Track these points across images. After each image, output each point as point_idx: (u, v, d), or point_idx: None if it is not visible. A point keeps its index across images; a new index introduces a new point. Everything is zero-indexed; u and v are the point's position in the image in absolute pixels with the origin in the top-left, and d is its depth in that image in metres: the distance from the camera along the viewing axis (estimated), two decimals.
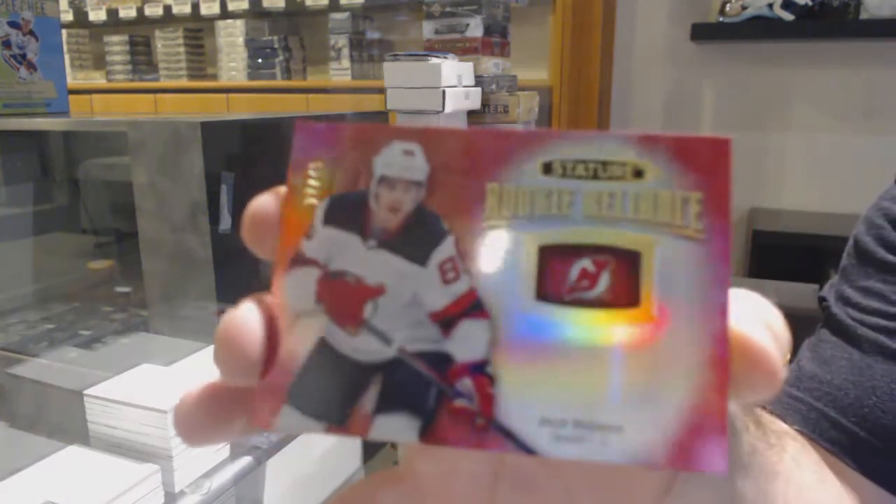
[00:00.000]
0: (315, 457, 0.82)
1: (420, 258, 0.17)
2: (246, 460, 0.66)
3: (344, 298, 0.17)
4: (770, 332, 0.16)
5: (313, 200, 0.18)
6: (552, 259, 0.17)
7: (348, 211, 0.18)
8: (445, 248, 0.17)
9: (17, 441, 0.71)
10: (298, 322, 0.17)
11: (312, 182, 0.18)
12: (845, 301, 0.42)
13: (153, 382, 0.64)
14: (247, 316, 0.17)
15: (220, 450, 0.65)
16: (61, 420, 0.71)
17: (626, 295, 0.17)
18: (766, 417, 0.38)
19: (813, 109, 2.11)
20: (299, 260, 0.18)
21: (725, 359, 0.16)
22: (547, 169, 0.17)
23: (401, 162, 0.18)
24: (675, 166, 0.17)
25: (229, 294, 0.75)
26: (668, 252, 0.17)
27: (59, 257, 1.18)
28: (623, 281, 0.17)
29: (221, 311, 0.76)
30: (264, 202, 0.19)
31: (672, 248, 0.17)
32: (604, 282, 0.17)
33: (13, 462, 0.58)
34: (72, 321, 0.96)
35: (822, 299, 0.46)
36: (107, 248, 1.20)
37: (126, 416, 0.60)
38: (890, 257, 0.41)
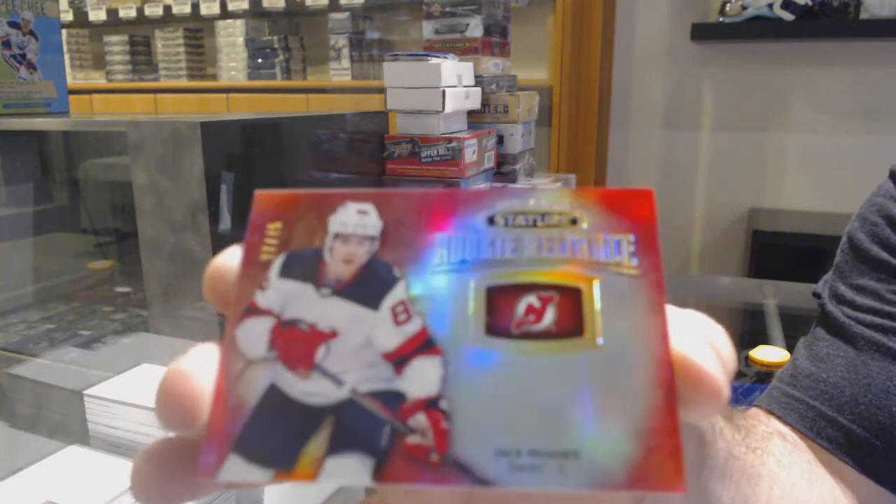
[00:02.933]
0: None
1: (372, 303, 0.18)
2: None
3: (296, 344, 0.18)
4: (712, 350, 0.17)
5: (269, 256, 0.19)
6: (499, 298, 0.18)
7: (303, 264, 0.19)
8: (397, 293, 0.18)
9: (17, 441, 0.71)
10: (249, 369, 0.18)
11: (269, 241, 0.19)
12: (840, 299, 0.42)
13: (153, 382, 0.64)
14: (191, 366, 0.17)
15: None
16: (61, 420, 0.71)
17: (570, 326, 0.17)
18: (754, 420, 0.38)
19: (813, 109, 2.11)
20: (253, 311, 0.18)
21: (670, 380, 0.16)
22: (490, 221, 0.19)
23: (355, 220, 0.19)
24: (606, 214, 0.19)
25: None
26: (607, 287, 0.18)
27: (59, 257, 1.18)
28: (567, 313, 0.18)
29: (222, 312, 0.76)
30: (224, 260, 0.19)
31: (610, 283, 0.18)
32: (549, 315, 0.18)
33: (13, 462, 0.58)
34: (72, 321, 0.96)
35: (817, 295, 0.46)
36: (107, 248, 1.20)
37: (126, 416, 0.60)
38: (884, 255, 0.41)
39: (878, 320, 0.39)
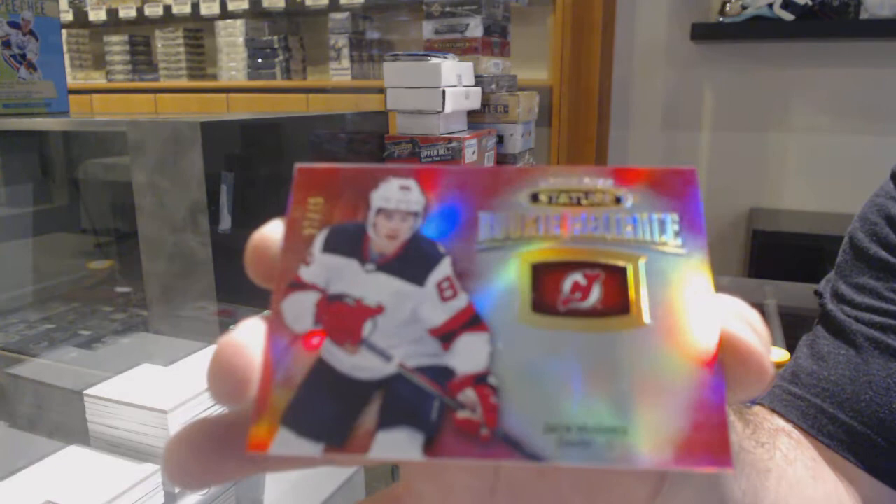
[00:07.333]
0: None
1: (418, 279, 0.18)
2: None
3: (343, 318, 0.18)
4: (755, 332, 0.17)
5: (312, 231, 0.19)
6: (545, 275, 0.18)
7: (346, 239, 0.19)
8: (442, 269, 0.18)
9: (17, 441, 0.71)
10: (297, 343, 0.17)
11: (312, 215, 0.19)
12: (840, 298, 0.43)
13: (153, 382, 0.64)
14: (243, 339, 0.17)
15: None
16: (61, 420, 0.71)
17: (617, 304, 0.17)
18: (759, 416, 0.38)
19: (813, 109, 2.11)
20: (298, 285, 0.18)
21: (717, 358, 0.16)
22: (534, 198, 0.19)
23: (398, 195, 0.19)
24: (650, 194, 0.19)
25: (229, 294, 0.75)
26: (653, 266, 0.18)
27: (59, 257, 1.18)
28: (613, 291, 0.18)
29: (222, 311, 0.76)
30: (266, 233, 0.19)
31: (656, 262, 0.18)
32: (595, 293, 0.18)
33: (13, 462, 0.58)
34: (72, 321, 0.96)
35: (818, 294, 0.46)
36: (107, 248, 1.20)
37: (126, 416, 0.60)
38: (883, 253, 0.42)
39: (877, 318, 0.40)
